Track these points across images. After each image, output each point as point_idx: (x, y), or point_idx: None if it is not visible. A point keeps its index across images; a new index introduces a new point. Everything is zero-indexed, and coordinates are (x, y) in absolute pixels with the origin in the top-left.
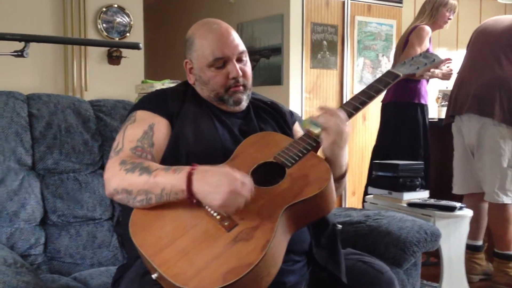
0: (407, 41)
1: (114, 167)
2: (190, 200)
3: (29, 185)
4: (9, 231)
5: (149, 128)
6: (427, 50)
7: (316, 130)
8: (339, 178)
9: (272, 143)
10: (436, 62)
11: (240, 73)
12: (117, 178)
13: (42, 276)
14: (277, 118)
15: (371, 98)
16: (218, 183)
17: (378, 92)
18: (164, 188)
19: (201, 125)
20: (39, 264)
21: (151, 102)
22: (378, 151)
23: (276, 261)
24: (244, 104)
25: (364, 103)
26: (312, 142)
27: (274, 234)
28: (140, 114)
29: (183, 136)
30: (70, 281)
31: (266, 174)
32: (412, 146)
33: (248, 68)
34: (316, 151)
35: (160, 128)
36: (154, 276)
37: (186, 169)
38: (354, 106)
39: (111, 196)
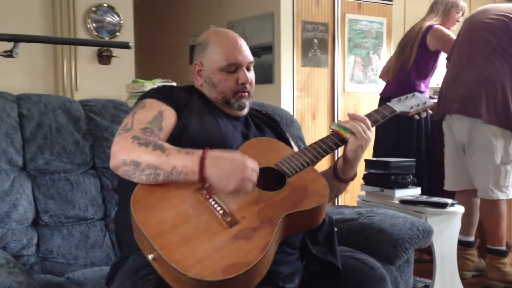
0: (422, 41)
1: (125, 141)
2: (201, 184)
3: (21, 186)
4: (1, 232)
5: (158, 114)
6: (437, 56)
7: (346, 133)
8: (350, 180)
9: (273, 149)
10: (427, 105)
11: (249, 79)
12: (129, 150)
13: (35, 276)
14: (273, 125)
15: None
16: (231, 170)
17: (376, 122)
18: (176, 167)
19: (205, 120)
20: (32, 265)
21: (159, 92)
22: (381, 147)
23: (268, 263)
24: (246, 110)
25: None
26: (338, 141)
27: (273, 238)
28: (150, 101)
29: (186, 128)
30: (63, 281)
31: (265, 179)
32: (415, 143)
33: (254, 77)
34: (338, 148)
35: (169, 115)
36: (150, 256)
37: (199, 152)
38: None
39: (116, 168)
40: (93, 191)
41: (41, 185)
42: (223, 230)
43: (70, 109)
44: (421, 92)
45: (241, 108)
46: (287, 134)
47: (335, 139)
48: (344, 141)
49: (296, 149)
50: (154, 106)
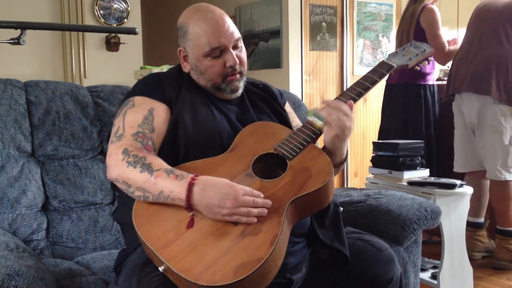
0: (418, 23)
1: (116, 154)
2: (187, 210)
3: (30, 172)
4: (11, 217)
5: (148, 113)
6: None
7: (319, 123)
8: (339, 164)
9: (270, 133)
10: (427, 53)
11: (237, 61)
12: (119, 169)
13: (44, 260)
14: (270, 101)
15: (367, 89)
16: (222, 196)
17: (374, 83)
18: (163, 191)
19: (199, 112)
20: (42, 249)
21: (147, 87)
22: (386, 132)
23: (282, 253)
24: (240, 91)
25: (360, 94)
26: (311, 133)
27: (281, 228)
28: (139, 99)
29: (182, 122)
30: (72, 265)
31: (267, 165)
32: (423, 127)
33: (244, 54)
34: (315, 142)
35: (159, 112)
36: (161, 268)
37: (188, 178)
38: (351, 97)
39: (111, 181)
40: (101, 176)
41: (50, 171)
42: (229, 229)
43: (78, 95)
44: (427, 74)
45: (234, 91)
46: (286, 110)
47: (307, 131)
48: (316, 132)
49: (298, 122)
50: (144, 105)
